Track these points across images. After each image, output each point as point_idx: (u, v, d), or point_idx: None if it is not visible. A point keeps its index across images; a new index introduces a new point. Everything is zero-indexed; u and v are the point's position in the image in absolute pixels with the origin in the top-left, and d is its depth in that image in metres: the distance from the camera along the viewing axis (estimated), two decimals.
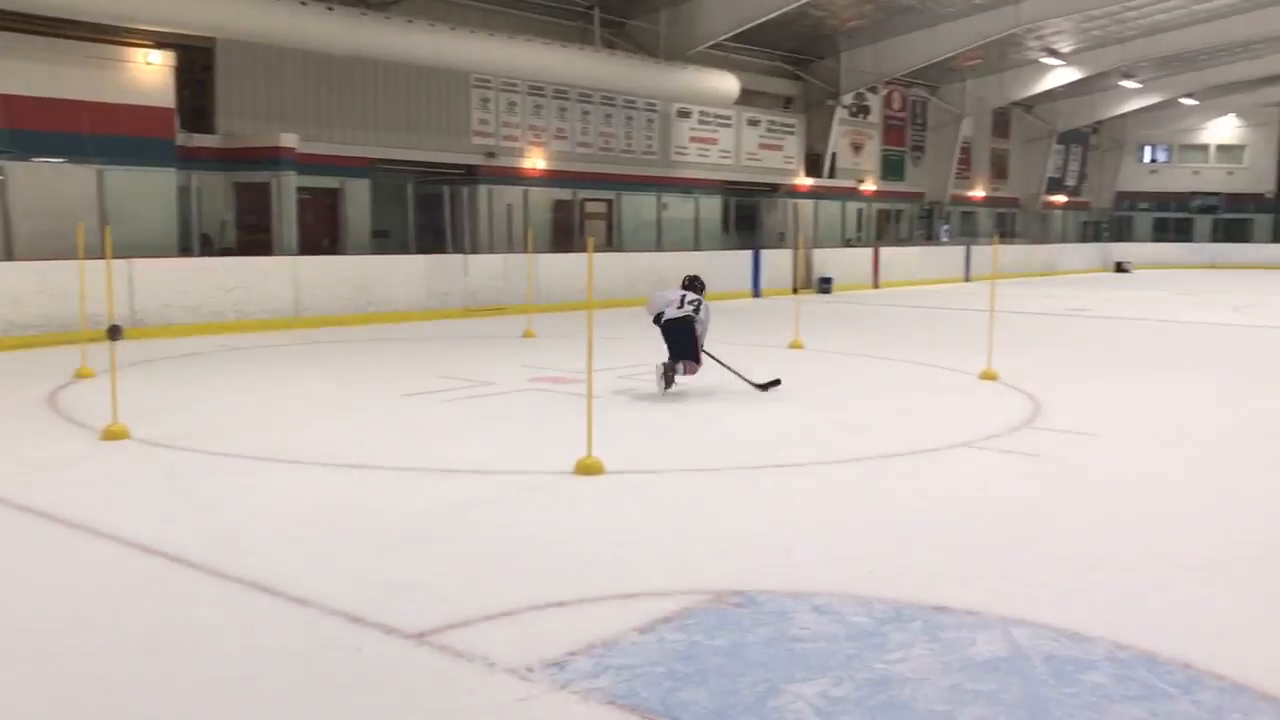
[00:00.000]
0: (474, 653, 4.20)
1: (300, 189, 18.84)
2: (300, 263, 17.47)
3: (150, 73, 16.90)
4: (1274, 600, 4.99)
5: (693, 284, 11.22)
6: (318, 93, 20.18)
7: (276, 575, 5.10)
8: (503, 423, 9.30)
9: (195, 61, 18.48)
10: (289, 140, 18.58)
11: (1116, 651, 4.28)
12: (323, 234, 19.95)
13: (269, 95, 19.45)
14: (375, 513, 6.33)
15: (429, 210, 20.95)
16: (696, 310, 10.71)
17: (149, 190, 16.91)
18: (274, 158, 18.41)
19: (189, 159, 17.83)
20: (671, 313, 10.69)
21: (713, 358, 10.89)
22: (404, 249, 19.83)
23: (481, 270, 19.81)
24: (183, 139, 17.90)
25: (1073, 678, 4.02)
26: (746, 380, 10.81)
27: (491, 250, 21.45)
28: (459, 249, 20.35)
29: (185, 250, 17.20)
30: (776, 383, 10.88)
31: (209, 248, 18.03)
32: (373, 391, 10.89)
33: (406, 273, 18.79)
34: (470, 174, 22.73)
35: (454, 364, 12.86)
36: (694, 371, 10.71)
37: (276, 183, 18.20)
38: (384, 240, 20.74)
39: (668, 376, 10.58)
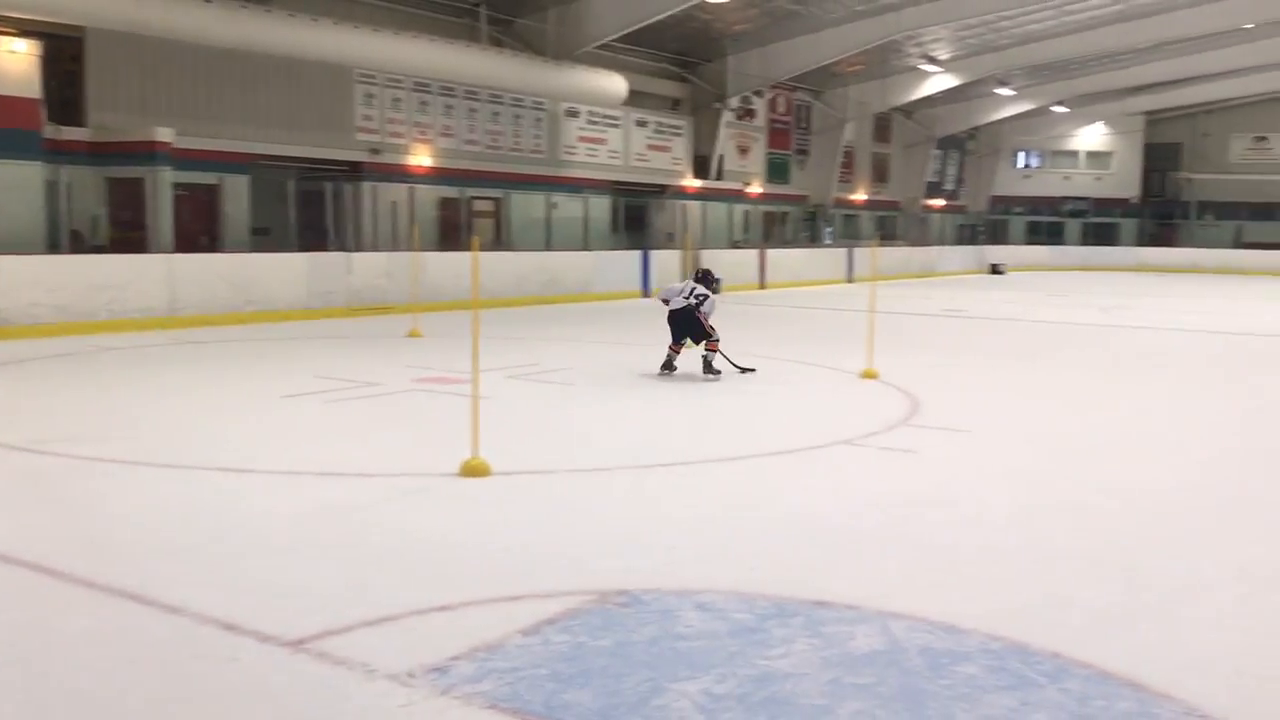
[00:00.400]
0: (354, 659, 4.12)
1: (176, 185, 18.26)
2: (176, 260, 16.95)
3: (13, 61, 16.17)
4: (1138, 590, 5.20)
5: (705, 277, 12.29)
6: (195, 86, 19.58)
7: (147, 583, 4.93)
8: (386, 424, 9.16)
9: (63, 51, 17.75)
10: (164, 135, 18.00)
11: (989, 643, 4.40)
12: (200, 231, 19.37)
13: (143, 88, 18.81)
14: (252, 517, 6.17)
15: (311, 207, 20.54)
16: (700, 302, 11.83)
17: (13, 184, 16.17)
18: (149, 152, 17.81)
19: (57, 152, 17.12)
20: (677, 302, 11.89)
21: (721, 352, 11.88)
22: (285, 247, 19.40)
23: (366, 269, 19.49)
24: (50, 131, 17.16)
25: (948, 669, 4.12)
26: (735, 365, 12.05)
27: (376, 249, 21.13)
28: (342, 247, 20.01)
29: (54, 247, 16.54)
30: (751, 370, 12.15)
31: (80, 245, 17.36)
32: (251, 393, 10.62)
33: (288, 271, 18.37)
34: (354, 171, 22.32)
35: (337, 364, 12.62)
36: (715, 348, 11.85)
37: (151, 178, 17.61)
38: (264, 238, 20.24)
39: (668, 361, 11.94)
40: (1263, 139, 46.38)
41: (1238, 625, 4.74)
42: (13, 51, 16.08)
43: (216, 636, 4.35)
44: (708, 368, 11.68)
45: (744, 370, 12.02)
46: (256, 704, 3.78)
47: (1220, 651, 4.41)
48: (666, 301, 12.09)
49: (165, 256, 16.93)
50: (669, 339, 12.01)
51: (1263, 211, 44.98)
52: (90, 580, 4.99)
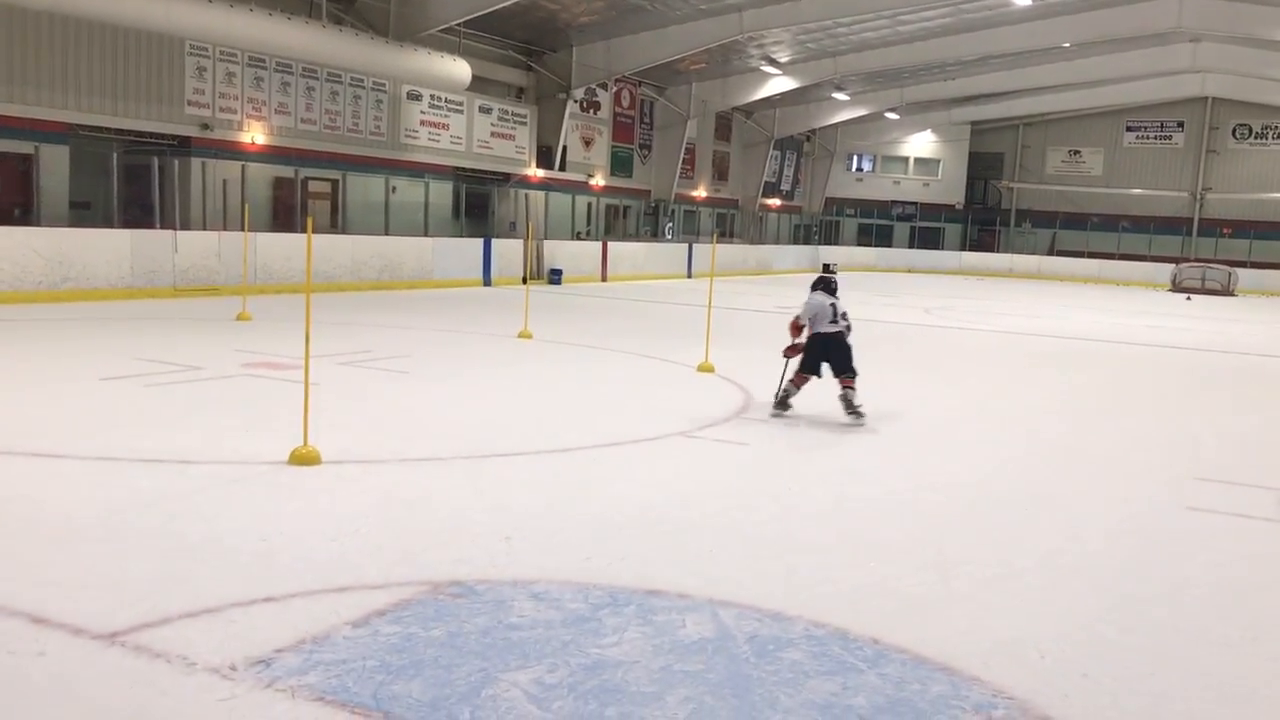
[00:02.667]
0: (172, 652, 3.98)
1: None
2: None
3: None
4: (950, 578, 5.45)
5: (831, 287, 9.78)
6: (9, 48, 18.43)
7: None
8: (211, 410, 8.84)
9: None
10: None
11: (813, 629, 4.55)
12: (14, 202, 18.26)
13: None
14: (64, 506, 5.87)
15: (136, 182, 19.60)
16: (849, 324, 9.51)
17: None
18: None
19: None
20: (827, 326, 9.41)
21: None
22: (107, 222, 18.48)
23: (193, 248, 18.73)
24: None
25: (773, 655, 4.24)
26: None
27: (205, 227, 20.32)
28: (168, 225, 19.14)
29: None
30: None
31: None
32: (66, 374, 10.09)
33: (109, 248, 17.50)
34: (183, 145, 21.40)
35: (159, 346, 12.10)
36: (852, 383, 9.46)
37: None
38: (84, 212, 19.23)
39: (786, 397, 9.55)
40: (1076, 152, 49.11)
41: (1042, 612, 5.02)
42: None
43: (22, 629, 4.13)
44: (850, 408, 9.39)
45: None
46: (66, 700, 3.61)
47: (1026, 636, 4.66)
48: (802, 326, 9.64)
49: None
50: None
51: (1074, 221, 47.65)
52: None
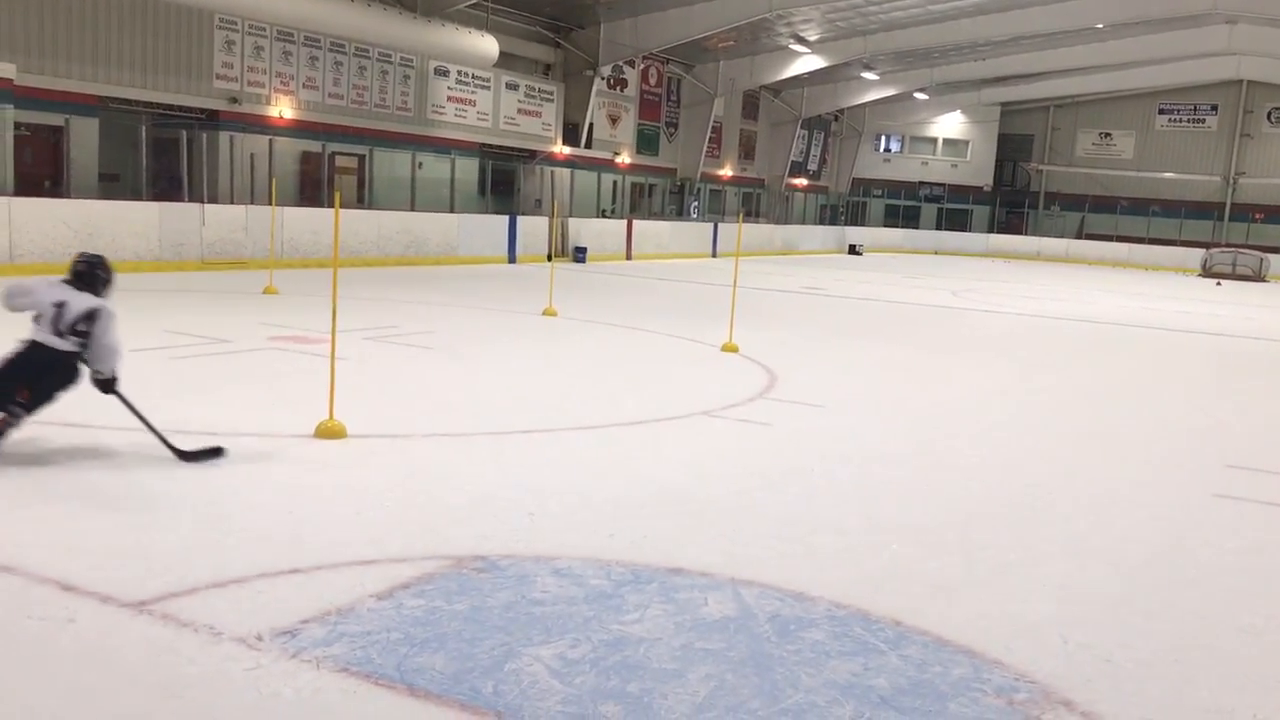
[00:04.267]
0: (199, 622, 4.02)
1: (18, 124, 17.30)
2: (16, 204, 16.06)
3: None
4: (974, 562, 5.44)
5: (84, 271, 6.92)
6: (41, 20, 18.54)
7: None
8: (238, 382, 8.90)
9: None
10: (6, 70, 17.04)
11: (835, 610, 4.55)
12: (44, 174, 18.41)
13: None
14: (93, 476, 5.93)
15: (164, 155, 19.71)
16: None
17: None
18: None
19: None
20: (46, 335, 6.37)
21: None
22: (136, 195, 18.59)
23: (220, 221, 18.82)
24: None
25: (795, 635, 4.25)
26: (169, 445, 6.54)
27: (232, 201, 20.42)
28: (196, 198, 19.25)
29: None
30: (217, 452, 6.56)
31: None
32: None
33: (138, 220, 17.61)
34: (211, 119, 21.51)
35: (187, 319, 12.19)
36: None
37: None
38: (113, 184, 19.35)
39: None
40: (1107, 135, 48.63)
41: (1065, 596, 5.00)
42: None
43: (53, 597, 4.18)
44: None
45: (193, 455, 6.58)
46: (96, 666, 3.66)
47: (1048, 620, 4.65)
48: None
49: (4, 200, 16.03)
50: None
51: (1104, 204, 47.23)
52: None
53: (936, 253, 45.46)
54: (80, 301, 6.52)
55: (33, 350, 6.29)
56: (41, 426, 6.90)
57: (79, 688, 3.52)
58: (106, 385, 6.49)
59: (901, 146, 50.89)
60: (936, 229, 48.52)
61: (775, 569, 5.02)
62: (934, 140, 50.51)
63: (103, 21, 19.46)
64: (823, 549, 5.45)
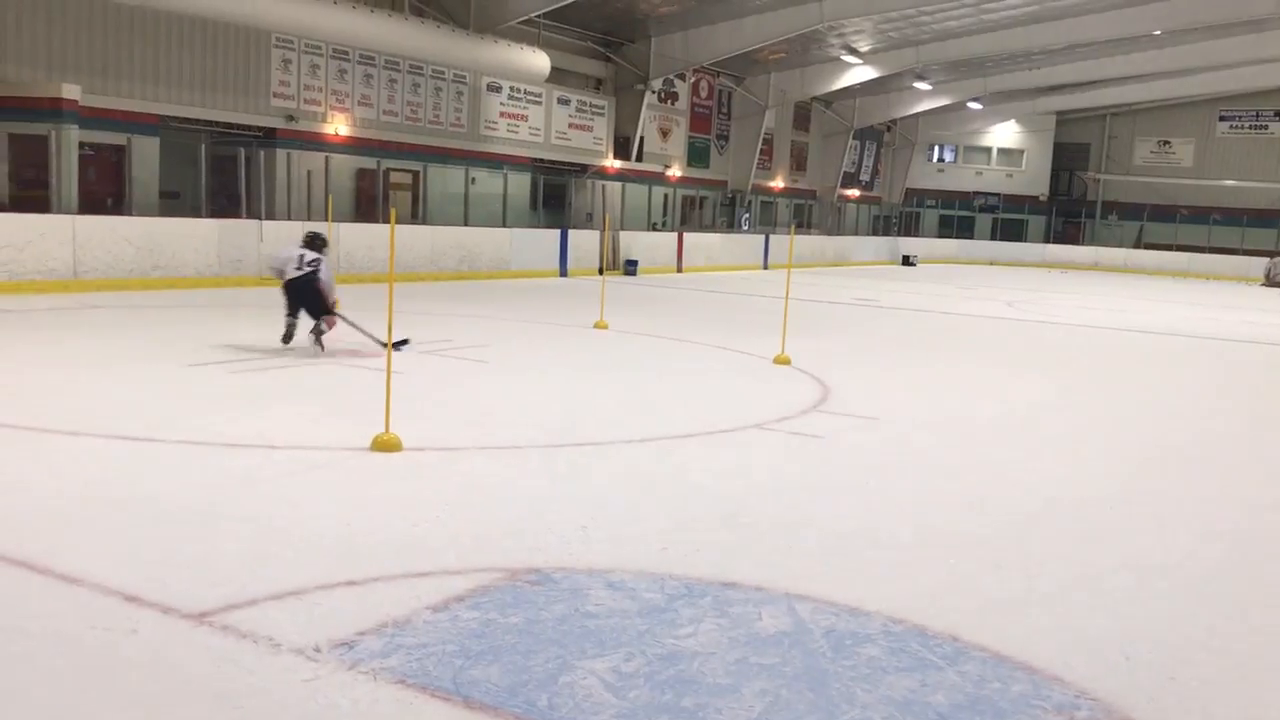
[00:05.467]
0: (258, 633, 4.07)
1: (83, 144, 17.69)
2: (80, 222, 16.41)
3: None
4: (1033, 576, 5.36)
5: (312, 242, 11.29)
6: (104, 42, 18.97)
7: (45, 552, 4.81)
8: (296, 396, 9.02)
9: None
10: (71, 91, 17.42)
11: (891, 625, 4.51)
12: (107, 192, 18.81)
13: (49, 41, 18.16)
14: (154, 487, 6.04)
15: (223, 172, 20.04)
16: (316, 269, 10.98)
17: None
18: (54, 109, 17.22)
19: None
20: (291, 272, 10.97)
21: (341, 317, 11.24)
22: (195, 212, 18.92)
23: (278, 237, 19.06)
24: None
25: (851, 650, 4.21)
26: (374, 338, 11.09)
27: (289, 217, 20.71)
28: (254, 214, 19.55)
29: None
30: (405, 341, 11.30)
31: None
32: (156, 360, 10.36)
33: (197, 236, 17.93)
34: (268, 137, 21.85)
35: (246, 334, 12.37)
36: (331, 325, 11.15)
37: (56, 136, 17.04)
38: (174, 202, 19.72)
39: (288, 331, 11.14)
40: (1166, 143, 47.87)
41: (1126, 612, 4.92)
42: None
43: (117, 608, 4.26)
44: (289, 335, 11.09)
45: (397, 345, 10.51)
46: (157, 677, 3.72)
47: (1110, 637, 4.57)
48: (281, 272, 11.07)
49: (69, 217, 16.39)
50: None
51: (1163, 213, 46.45)
52: None
53: (991, 263, 44.97)
54: (309, 254, 11.07)
55: (291, 285, 10.99)
56: (104, 440, 7.05)
57: (141, 698, 3.58)
58: (328, 309, 11.09)
59: (955, 156, 50.45)
60: (991, 239, 48.00)
61: (830, 583, 4.98)
62: (988, 150, 50.02)
63: (163, 42, 19.87)
64: (878, 563, 5.40)
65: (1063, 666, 4.19)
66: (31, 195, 17.15)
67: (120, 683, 3.67)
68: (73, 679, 3.69)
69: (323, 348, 11.05)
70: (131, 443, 7.01)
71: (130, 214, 18.09)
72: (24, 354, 10.51)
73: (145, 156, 19.30)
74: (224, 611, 4.26)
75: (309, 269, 10.90)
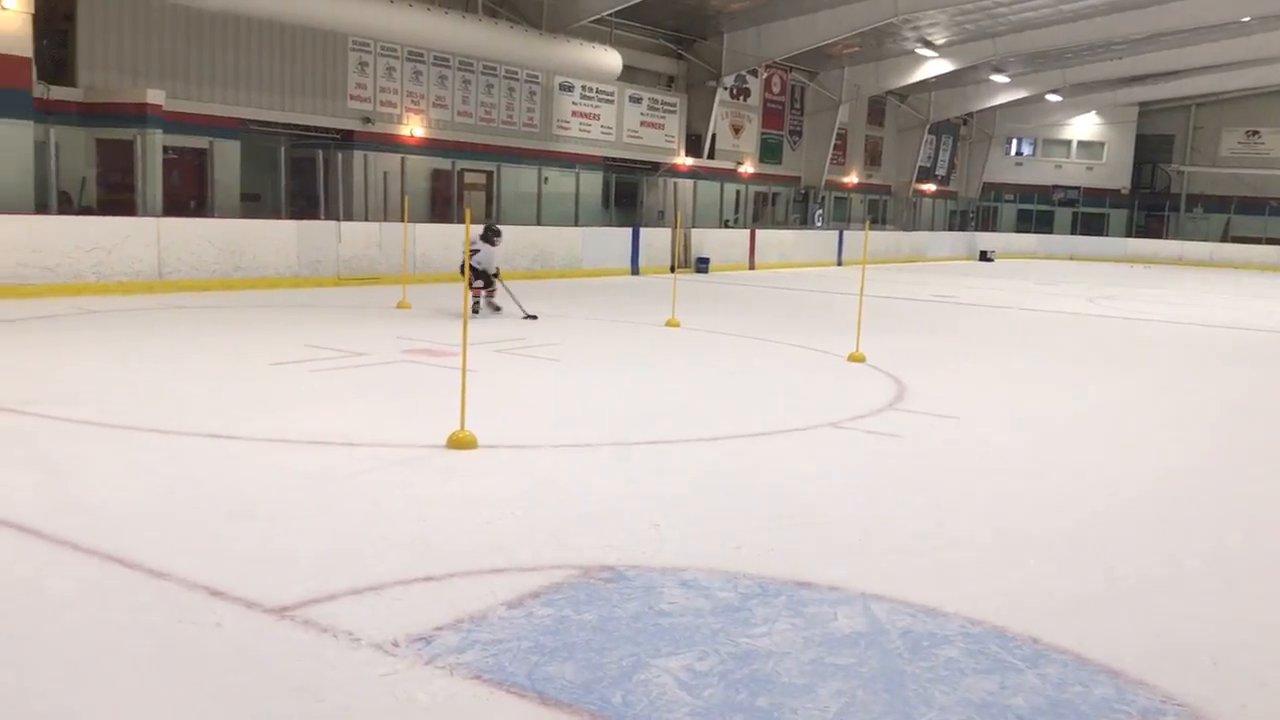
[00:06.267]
0: (338, 627, 4.14)
1: (167, 148, 18.15)
2: (165, 224, 16.84)
3: (5, 19, 16.02)
4: (1114, 578, 5.25)
5: (484, 233, 15.02)
6: (187, 48, 19.45)
7: (133, 547, 4.94)
8: (374, 394, 9.16)
9: (55, 10, 17.62)
10: (155, 97, 17.89)
11: (969, 626, 4.44)
12: (190, 195, 19.27)
13: (134, 49, 18.67)
14: (238, 484, 6.17)
15: (302, 174, 20.42)
16: (474, 253, 14.53)
17: (2, 144, 16.06)
18: (139, 114, 17.71)
19: (47, 112, 17.02)
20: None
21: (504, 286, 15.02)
22: (275, 213, 19.31)
23: (355, 238, 19.41)
24: (40, 91, 17.05)
25: (928, 652, 4.16)
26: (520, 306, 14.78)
27: (366, 218, 21.05)
28: (332, 215, 19.89)
29: (42, 207, 16.42)
30: (533, 317, 14.60)
31: (68, 205, 17.25)
32: (238, 359, 10.60)
33: (277, 238, 18.29)
34: (346, 139, 22.23)
35: (324, 333, 12.60)
36: (478, 293, 14.85)
37: (141, 140, 17.50)
38: (254, 204, 20.14)
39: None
40: (1255, 133, 46.54)
41: (1215, 615, 4.79)
42: (4, 9, 15.94)
43: (201, 602, 4.36)
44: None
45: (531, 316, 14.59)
46: (242, 670, 3.80)
47: (1197, 640, 4.46)
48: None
49: (154, 220, 16.83)
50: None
51: (1251, 206, 45.17)
52: (75, 543, 4.99)
53: (1071, 258, 44.10)
54: (482, 244, 14.82)
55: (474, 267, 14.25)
56: (190, 438, 7.22)
57: (226, 690, 3.66)
58: (489, 278, 14.97)
59: (1034, 149, 49.57)
60: (1071, 234, 47.06)
61: (906, 584, 4.93)
62: (1068, 143, 49.07)
63: (243, 47, 20.30)
64: (956, 563, 5.33)
65: (1148, 670, 4.09)
66: (118, 198, 17.64)
67: (206, 675, 3.76)
68: (161, 670, 3.79)
69: (477, 311, 14.56)
70: (215, 440, 7.18)
71: (212, 216, 18.53)
72: (112, 353, 10.81)
73: (227, 159, 19.75)
74: (305, 606, 4.34)
75: (473, 251, 14.31)
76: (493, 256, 14.83)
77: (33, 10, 16.30)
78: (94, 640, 4.00)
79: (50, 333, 11.91)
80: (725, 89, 31.96)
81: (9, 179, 16.01)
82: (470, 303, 13.88)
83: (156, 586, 4.51)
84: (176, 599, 4.39)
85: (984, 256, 41.70)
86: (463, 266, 13.71)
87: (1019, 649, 4.25)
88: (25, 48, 16.32)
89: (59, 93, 17.51)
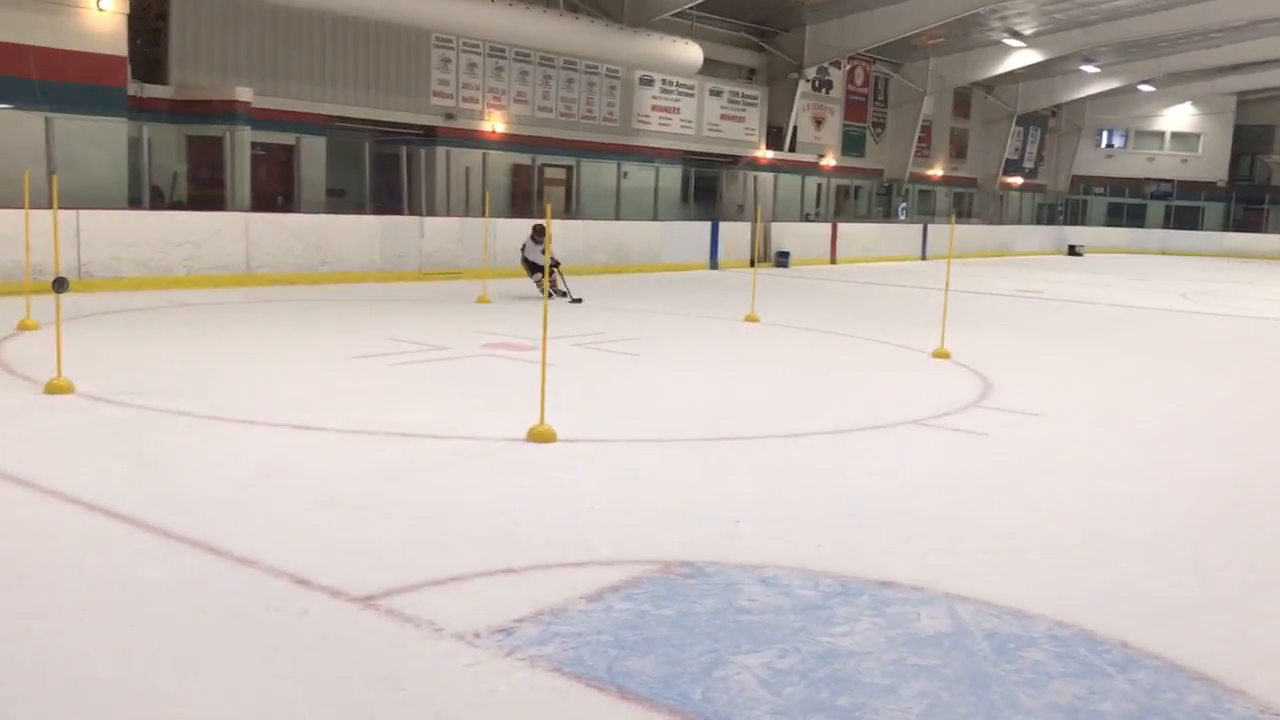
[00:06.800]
0: (421, 617, 4.18)
1: (255, 144, 18.53)
2: (253, 219, 17.21)
3: (102, 19, 16.51)
4: (1208, 582, 5.09)
5: (533, 232, 16.65)
6: (274, 46, 19.83)
7: (222, 535, 5.05)
8: (455, 387, 9.25)
9: (149, 10, 18.09)
10: (244, 94, 18.26)
11: (1057, 629, 4.34)
12: (277, 191, 19.66)
13: (224, 47, 19.09)
14: (323, 474, 6.27)
15: (385, 170, 20.72)
16: (524, 248, 16.55)
17: (98, 140, 16.56)
18: (228, 111, 18.09)
19: (140, 109, 17.49)
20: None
21: (555, 269, 16.14)
22: (359, 209, 19.62)
23: (437, 233, 19.63)
24: (134, 89, 17.53)
25: (1014, 654, 4.08)
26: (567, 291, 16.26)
27: (448, 213, 21.28)
28: (415, 211, 20.15)
29: (135, 203, 16.90)
30: (579, 300, 16.03)
31: (159, 201, 17.71)
32: (323, 352, 10.79)
33: (361, 233, 18.57)
34: (428, 135, 22.48)
35: (407, 327, 12.76)
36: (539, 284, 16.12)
37: (230, 137, 17.89)
38: (339, 199, 20.48)
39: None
40: None
41: None
42: (101, 9, 16.41)
43: (289, 590, 4.44)
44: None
45: (575, 300, 16.05)
46: (328, 658, 3.86)
47: None
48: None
49: (242, 215, 17.21)
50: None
51: None
52: (167, 530, 5.11)
53: (1164, 253, 42.93)
54: (530, 241, 16.45)
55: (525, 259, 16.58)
56: (276, 429, 7.37)
57: (312, 677, 3.72)
58: (535, 267, 16.43)
59: (1125, 141, 48.33)
60: (1164, 228, 45.79)
61: (992, 585, 4.83)
62: (1161, 134, 47.76)
63: (329, 45, 20.64)
64: (1043, 565, 5.21)
65: (1245, 678, 3.96)
66: (208, 194, 18.06)
67: (293, 662, 3.82)
68: (248, 656, 3.86)
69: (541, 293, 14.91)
70: (300, 431, 7.31)
71: (299, 212, 18.88)
72: (203, 346, 11.08)
73: (313, 155, 20.10)
74: (388, 595, 4.39)
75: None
76: (532, 248, 16.47)
77: (128, 10, 16.76)
78: (184, 626, 4.09)
79: (144, 326, 12.24)
80: (807, 81, 31.69)
81: (104, 175, 16.49)
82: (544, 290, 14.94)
83: (245, 574, 4.60)
84: (264, 587, 4.47)
85: (1072, 251, 40.79)
86: (529, 263, 16.43)
87: (1108, 653, 4.14)
88: (120, 47, 16.80)
89: (152, 90, 17.98)
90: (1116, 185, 47.87)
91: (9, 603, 4.27)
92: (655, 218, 25.16)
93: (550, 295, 15.27)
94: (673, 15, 25.50)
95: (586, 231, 22.62)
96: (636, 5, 24.86)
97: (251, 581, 4.53)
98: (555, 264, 15.96)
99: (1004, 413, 8.90)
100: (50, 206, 9.25)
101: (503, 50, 23.71)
